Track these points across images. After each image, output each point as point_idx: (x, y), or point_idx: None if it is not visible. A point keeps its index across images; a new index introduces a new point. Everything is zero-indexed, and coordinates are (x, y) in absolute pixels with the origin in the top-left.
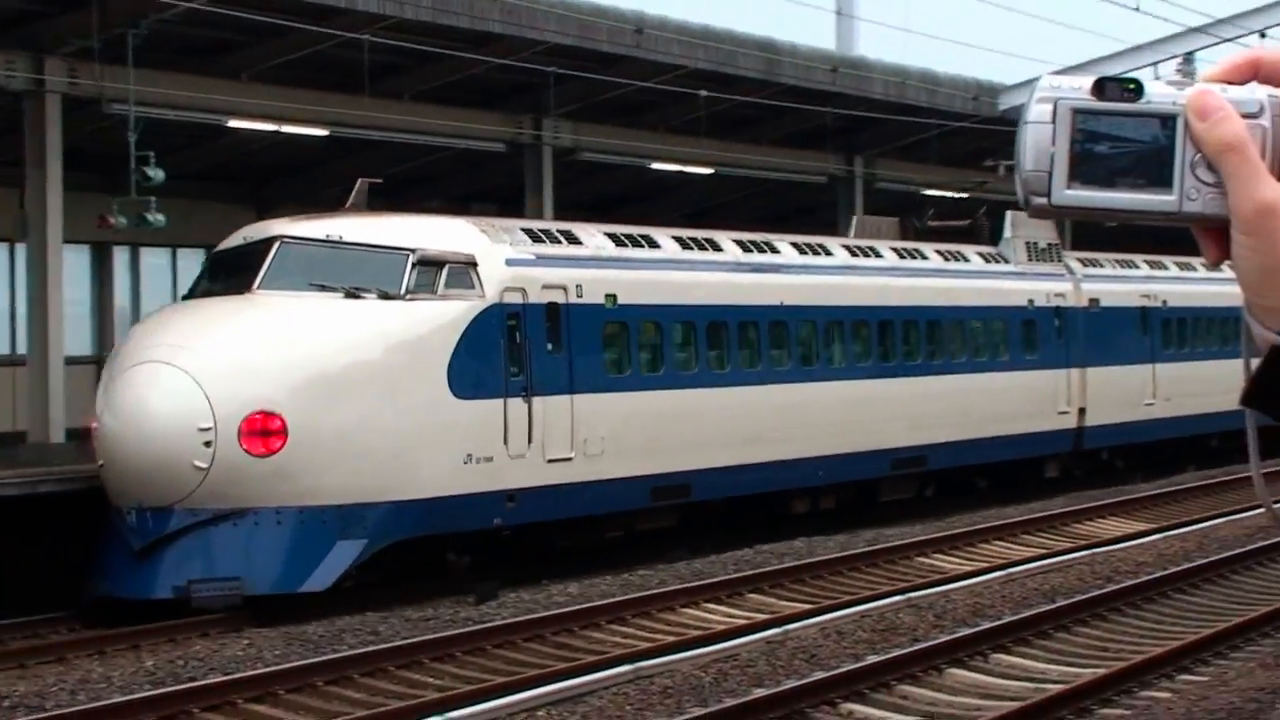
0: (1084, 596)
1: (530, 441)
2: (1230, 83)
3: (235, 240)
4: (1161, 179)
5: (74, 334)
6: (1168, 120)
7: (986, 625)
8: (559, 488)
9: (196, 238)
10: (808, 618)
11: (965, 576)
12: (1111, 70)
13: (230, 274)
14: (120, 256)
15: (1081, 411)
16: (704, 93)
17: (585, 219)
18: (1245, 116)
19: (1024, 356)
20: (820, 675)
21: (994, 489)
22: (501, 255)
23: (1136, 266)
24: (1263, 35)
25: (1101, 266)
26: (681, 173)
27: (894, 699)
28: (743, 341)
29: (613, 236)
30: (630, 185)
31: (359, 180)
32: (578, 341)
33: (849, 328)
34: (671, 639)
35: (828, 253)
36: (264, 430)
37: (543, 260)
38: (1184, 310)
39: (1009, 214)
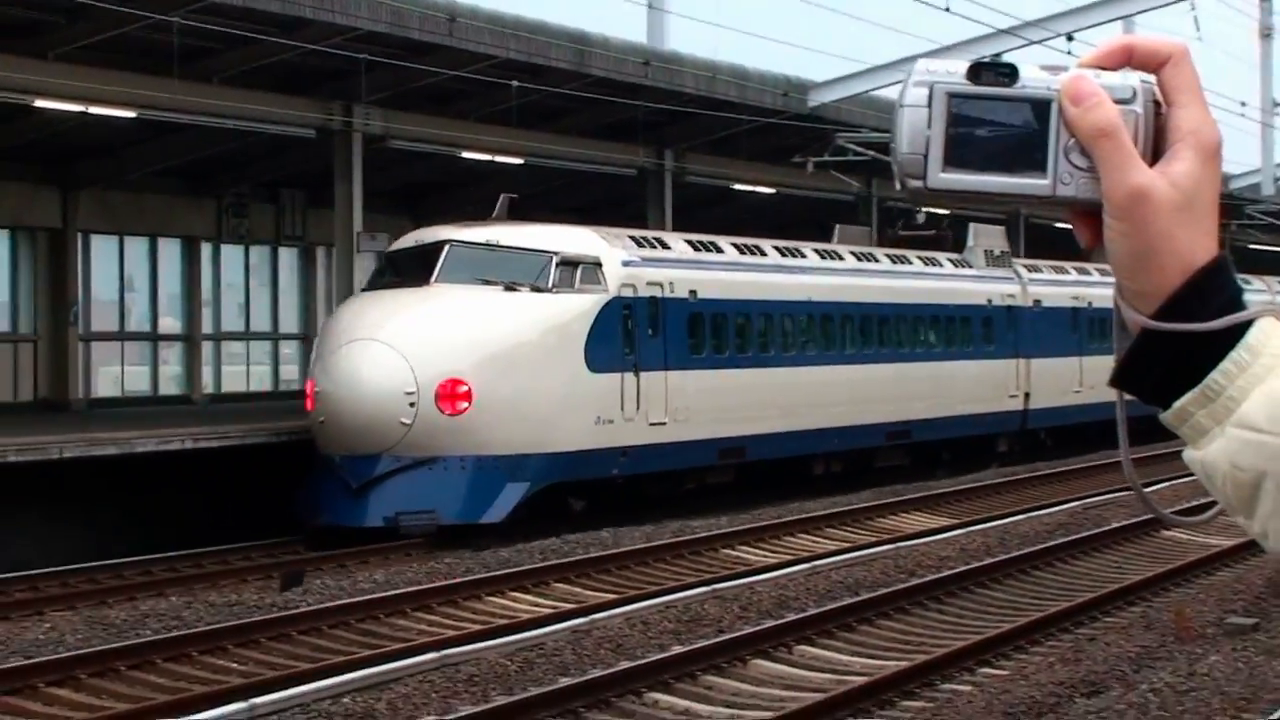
0: (887, 590)
1: (638, 408)
2: (1104, 68)
3: (408, 242)
4: (1035, 163)
5: None
6: (1042, 105)
7: (791, 617)
8: (657, 446)
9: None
10: (613, 608)
11: (770, 569)
12: None
13: (406, 270)
14: None
15: (1026, 396)
16: (515, 83)
17: (392, 208)
18: (1118, 102)
19: (984, 347)
20: (626, 665)
21: (956, 460)
22: (618, 257)
23: (1068, 272)
24: (1070, 39)
25: (1041, 272)
26: (492, 162)
27: (698, 689)
28: (781, 330)
29: (690, 242)
30: (441, 174)
31: (501, 196)
32: (670, 328)
33: (856, 320)
34: (478, 627)
35: (839, 257)
36: (453, 395)
37: (647, 262)
38: (1106, 310)
39: (972, 226)
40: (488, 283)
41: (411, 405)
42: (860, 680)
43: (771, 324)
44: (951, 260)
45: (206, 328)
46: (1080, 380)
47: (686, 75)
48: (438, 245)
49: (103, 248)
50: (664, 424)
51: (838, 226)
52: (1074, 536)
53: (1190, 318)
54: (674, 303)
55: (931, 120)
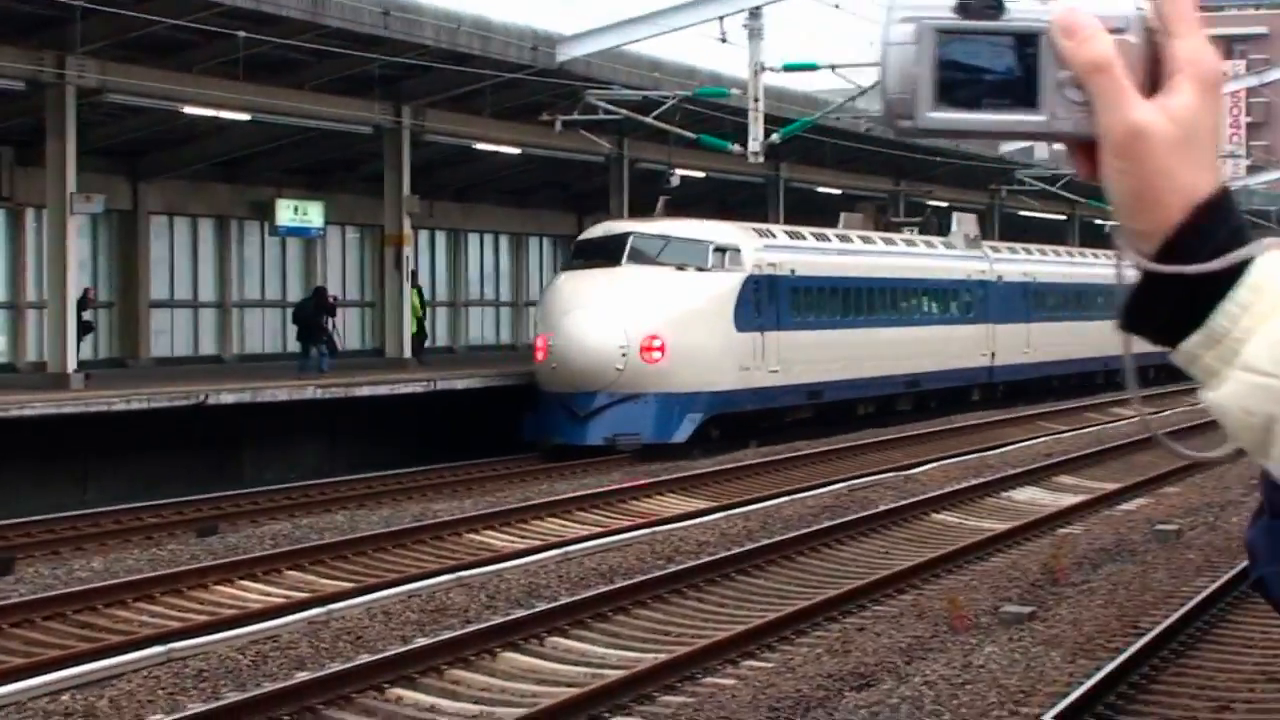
0: (644, 577)
1: (763, 359)
2: None
3: (597, 233)
4: (1028, 99)
5: None
6: (1032, 38)
7: (542, 607)
8: (773, 388)
9: None
10: (352, 597)
11: (519, 555)
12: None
13: (597, 254)
14: None
15: (992, 355)
16: (242, 33)
17: (109, 167)
18: (1113, 32)
19: (967, 315)
20: (366, 658)
21: (941, 404)
22: (751, 245)
23: (1019, 252)
24: None
25: (1002, 252)
26: (216, 118)
27: (444, 684)
28: (841, 299)
29: (786, 231)
30: (162, 130)
31: (661, 199)
32: (781, 298)
33: (887, 292)
34: (206, 619)
35: (873, 241)
36: (652, 347)
37: (767, 248)
38: (1048, 285)
39: (955, 214)
40: (662, 264)
41: (624, 355)
42: (617, 674)
43: (835, 295)
44: (942, 243)
45: None
46: (1028, 342)
47: (427, 26)
48: (624, 235)
49: None
50: (777, 371)
51: (843, 214)
52: (840, 520)
53: (1192, 257)
54: (782, 279)
55: (919, 58)
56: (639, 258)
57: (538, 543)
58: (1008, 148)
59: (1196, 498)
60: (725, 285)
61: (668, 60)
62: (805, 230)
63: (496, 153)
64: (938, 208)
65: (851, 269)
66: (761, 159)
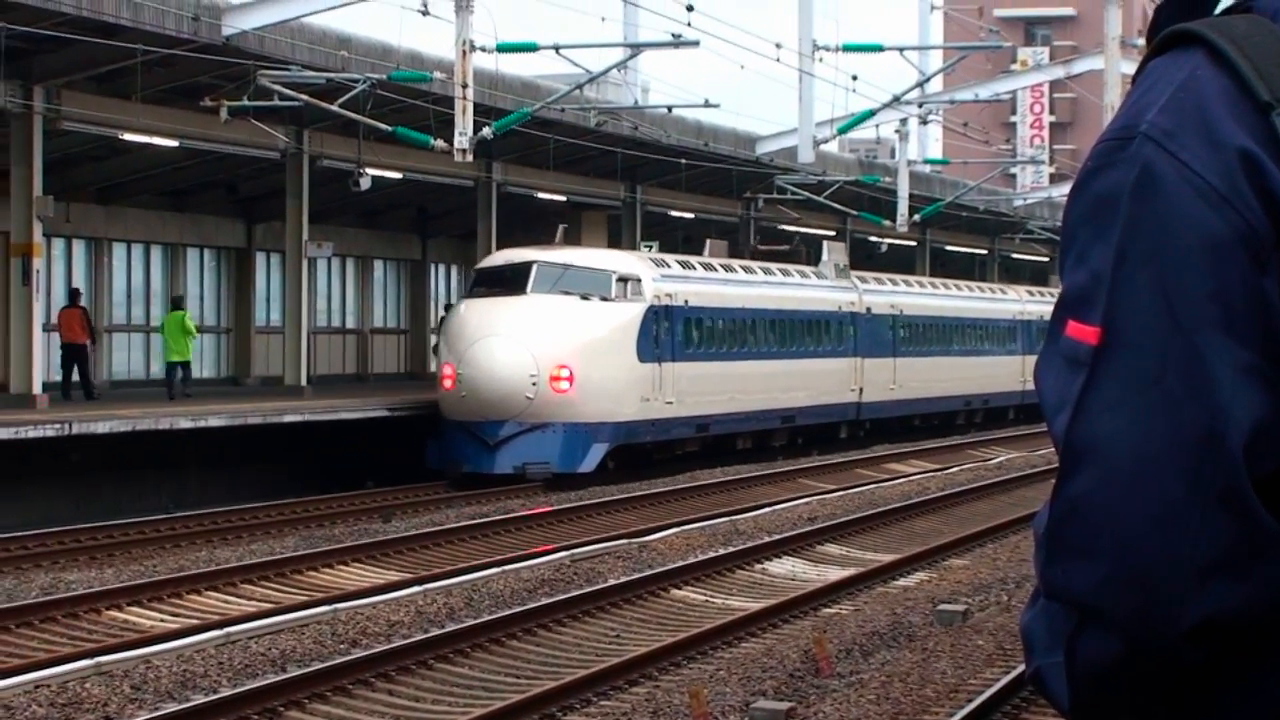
0: (322, 665)
1: (660, 390)
2: None
3: (498, 260)
4: None
5: None
6: None
7: (198, 700)
8: (668, 420)
9: None
10: None
11: (171, 637)
12: None
13: (500, 282)
14: None
15: (860, 390)
16: None
17: None
18: None
19: (837, 347)
20: None
21: (809, 442)
22: (650, 275)
23: (884, 282)
24: None
25: (868, 282)
26: None
27: None
28: (730, 331)
29: (678, 261)
30: None
31: (560, 227)
32: (676, 328)
33: (770, 323)
34: None
35: (754, 272)
36: (561, 377)
37: (664, 278)
38: (914, 318)
39: (826, 243)
40: (567, 293)
41: (534, 384)
42: None
43: (723, 326)
44: (814, 272)
45: None
46: (895, 378)
47: None
48: (527, 264)
49: None
50: (671, 403)
51: (709, 241)
52: (561, 596)
53: None
54: (677, 309)
55: None
56: (542, 286)
57: (194, 622)
58: (766, 148)
59: (987, 572)
60: (628, 315)
61: (359, 36)
62: (694, 260)
63: (149, 145)
64: (785, 232)
65: (736, 300)
66: (470, 157)
